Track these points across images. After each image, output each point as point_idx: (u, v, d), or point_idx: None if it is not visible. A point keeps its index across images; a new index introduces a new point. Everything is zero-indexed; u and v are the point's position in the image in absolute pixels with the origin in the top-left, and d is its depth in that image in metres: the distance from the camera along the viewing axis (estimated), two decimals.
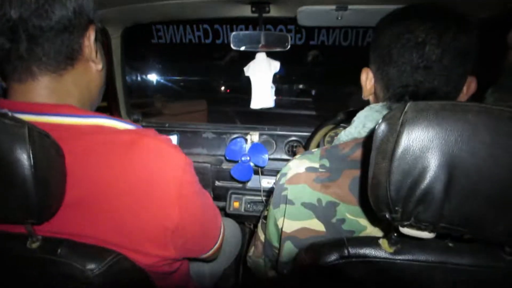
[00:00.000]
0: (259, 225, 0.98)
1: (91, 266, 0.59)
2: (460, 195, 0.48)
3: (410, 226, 0.52)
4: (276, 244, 0.83)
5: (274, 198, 0.80)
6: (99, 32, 0.77)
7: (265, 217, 0.90)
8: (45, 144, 0.57)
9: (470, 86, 0.73)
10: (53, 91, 0.68)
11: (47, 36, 0.64)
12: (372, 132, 0.72)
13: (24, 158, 0.53)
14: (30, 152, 0.53)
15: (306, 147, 1.49)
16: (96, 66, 0.76)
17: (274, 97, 1.43)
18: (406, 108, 0.49)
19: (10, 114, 0.56)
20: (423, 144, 0.47)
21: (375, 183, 0.52)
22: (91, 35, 0.72)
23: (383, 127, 0.52)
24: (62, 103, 0.68)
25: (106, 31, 1.55)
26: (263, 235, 0.91)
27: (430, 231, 0.53)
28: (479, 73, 0.73)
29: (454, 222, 0.50)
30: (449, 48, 0.66)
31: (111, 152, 0.65)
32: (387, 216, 0.53)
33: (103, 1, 1.29)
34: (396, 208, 0.51)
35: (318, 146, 1.47)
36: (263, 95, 1.37)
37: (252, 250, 1.02)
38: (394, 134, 0.49)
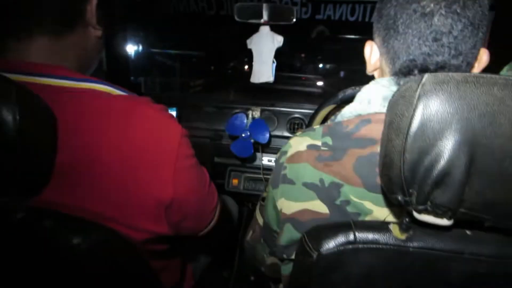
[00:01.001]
0: (257, 208, 0.94)
1: (77, 240, 0.56)
2: (483, 178, 0.44)
3: (426, 211, 0.48)
4: (275, 227, 0.80)
5: (273, 178, 0.76)
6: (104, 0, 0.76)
7: (264, 199, 0.86)
8: (34, 105, 0.54)
9: (482, 59, 0.69)
10: (49, 52, 0.67)
11: None
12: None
13: (9, 119, 0.49)
14: (17, 113, 0.49)
15: (309, 124, 1.44)
16: (96, 32, 0.75)
17: (274, 72, 1.41)
18: (424, 79, 0.45)
19: None
20: (443, 120, 0.43)
21: (388, 162, 0.48)
22: (94, 0, 0.71)
23: (396, 101, 0.48)
24: (56, 65, 0.67)
25: None
26: (262, 218, 0.88)
27: (448, 218, 0.48)
28: (493, 48, 0.69)
29: (476, 207, 0.46)
30: (459, 17, 0.62)
31: (104, 118, 0.62)
32: (399, 199, 0.49)
33: None
34: (411, 191, 0.47)
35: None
36: (264, 69, 1.34)
37: (250, 234, 0.98)
38: (410, 108, 0.45)
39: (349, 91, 1.28)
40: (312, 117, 1.39)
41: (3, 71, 0.59)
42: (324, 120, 1.41)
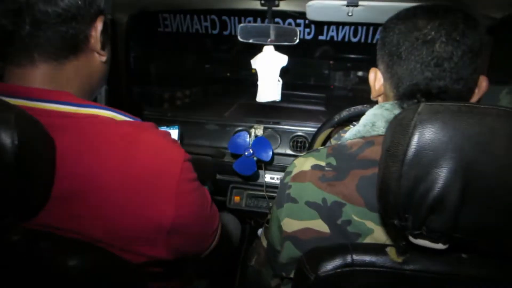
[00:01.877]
0: (262, 231, 0.94)
1: (73, 263, 0.56)
2: (477, 204, 0.45)
3: (421, 236, 0.49)
4: (279, 248, 0.80)
5: (278, 198, 0.77)
6: (109, 24, 0.76)
7: (268, 221, 0.87)
8: (34, 132, 0.54)
9: (481, 86, 0.71)
10: (52, 78, 0.66)
11: (52, 22, 0.62)
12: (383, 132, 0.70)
13: (7, 144, 0.49)
14: (16, 139, 0.49)
15: (310, 147, 1.46)
16: (101, 58, 0.73)
17: (280, 91, 1.42)
18: (420, 109, 0.47)
19: None
20: (437, 148, 0.45)
21: (384, 188, 0.50)
22: (98, 26, 0.70)
23: (393, 128, 0.50)
24: (59, 90, 0.66)
25: (111, 18, 1.53)
26: (266, 240, 0.88)
27: (444, 242, 0.50)
28: (491, 73, 0.71)
29: (470, 232, 0.47)
30: (458, 44, 0.65)
31: (106, 144, 0.62)
32: (396, 223, 0.50)
33: None
34: (406, 216, 0.48)
35: (323, 145, 1.44)
36: (270, 89, 1.35)
37: (254, 258, 0.97)
38: (406, 137, 0.46)
39: (344, 113, 1.31)
40: (312, 140, 1.41)
41: (4, 96, 0.59)
42: (326, 140, 1.43)
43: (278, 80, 1.37)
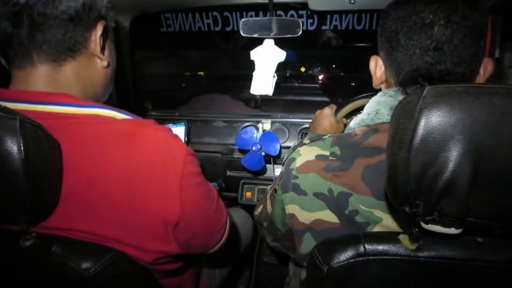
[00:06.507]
0: (269, 194, 0.93)
1: (86, 265, 0.57)
2: (488, 186, 0.44)
3: (434, 221, 0.48)
4: (279, 226, 0.82)
5: (283, 182, 0.77)
6: (112, 31, 0.77)
7: (276, 191, 0.86)
8: (38, 136, 0.55)
9: (487, 68, 0.70)
10: (51, 80, 0.68)
11: (50, 23, 0.64)
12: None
13: (14, 151, 0.51)
14: (21, 144, 0.51)
15: (337, 111, 1.39)
16: (102, 63, 0.75)
17: (274, 86, 1.40)
18: (424, 92, 0.46)
19: (1, 105, 0.54)
20: (444, 132, 0.44)
21: (393, 175, 0.49)
22: (98, 30, 0.71)
23: (398, 114, 0.49)
24: (59, 92, 0.67)
25: (115, 20, 1.53)
26: (271, 208, 0.87)
27: (457, 227, 0.49)
28: (500, 54, 0.69)
29: (483, 215, 0.46)
30: (458, 27, 0.63)
31: (108, 143, 0.63)
32: (407, 210, 0.49)
33: None
34: (417, 202, 0.47)
35: (347, 116, 1.38)
36: (263, 82, 1.33)
37: (259, 210, 0.98)
38: (412, 122, 0.45)
39: None
40: (340, 107, 1.33)
41: (7, 101, 0.61)
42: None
43: (274, 76, 1.36)
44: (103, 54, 0.74)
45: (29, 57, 0.66)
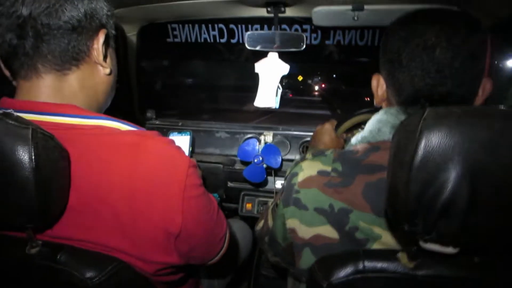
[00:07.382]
0: (271, 208, 0.93)
1: (90, 274, 0.58)
2: (486, 207, 0.45)
3: (432, 240, 0.49)
4: (280, 240, 0.82)
5: (285, 196, 0.78)
6: (112, 38, 0.78)
7: (277, 205, 0.87)
8: (49, 146, 0.56)
9: (485, 88, 0.71)
10: (57, 90, 0.69)
11: (53, 34, 0.65)
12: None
13: (26, 160, 0.52)
14: (33, 153, 0.52)
15: (337, 127, 1.39)
16: (104, 70, 0.76)
17: (279, 99, 1.41)
18: (425, 114, 0.47)
19: (14, 114, 0.55)
20: (444, 153, 0.45)
21: (393, 193, 0.50)
22: (100, 38, 0.72)
23: (400, 134, 0.50)
24: (65, 103, 0.68)
25: (122, 29, 1.56)
26: (272, 222, 0.88)
27: (454, 246, 0.50)
28: (497, 74, 0.70)
29: (480, 236, 0.47)
30: (459, 50, 0.64)
31: (113, 154, 0.64)
32: (406, 228, 0.50)
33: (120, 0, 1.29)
34: (416, 221, 0.48)
35: (347, 131, 1.38)
36: (267, 95, 1.35)
37: (261, 224, 0.98)
38: (413, 142, 0.47)
39: None
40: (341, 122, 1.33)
41: (17, 111, 0.62)
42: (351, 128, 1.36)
43: (279, 88, 1.37)
44: (106, 61, 0.75)
45: (34, 67, 0.67)
